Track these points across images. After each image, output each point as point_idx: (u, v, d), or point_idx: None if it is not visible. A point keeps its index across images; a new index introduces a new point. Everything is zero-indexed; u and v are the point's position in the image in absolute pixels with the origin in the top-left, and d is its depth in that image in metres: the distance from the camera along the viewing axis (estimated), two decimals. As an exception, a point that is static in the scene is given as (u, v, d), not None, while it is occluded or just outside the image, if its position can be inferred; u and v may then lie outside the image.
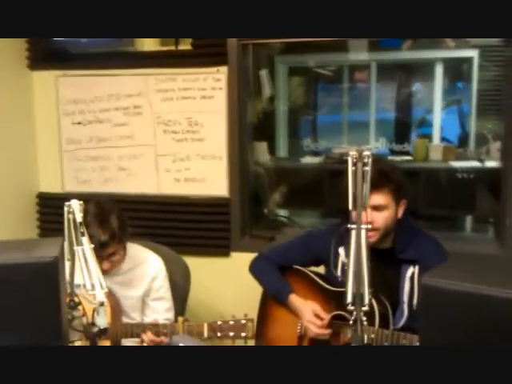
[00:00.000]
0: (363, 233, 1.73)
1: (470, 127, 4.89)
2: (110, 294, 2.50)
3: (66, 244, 1.98)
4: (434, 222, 3.42)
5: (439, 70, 5.03)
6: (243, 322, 2.29)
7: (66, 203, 2.05)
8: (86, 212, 2.36)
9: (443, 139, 4.68)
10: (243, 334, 2.28)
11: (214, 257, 3.21)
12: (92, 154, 3.33)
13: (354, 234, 1.73)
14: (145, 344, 2.36)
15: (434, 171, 3.76)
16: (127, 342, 2.47)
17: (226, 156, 3.15)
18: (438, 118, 4.97)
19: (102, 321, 1.76)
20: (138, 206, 3.26)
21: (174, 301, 2.71)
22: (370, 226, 1.76)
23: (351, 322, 1.67)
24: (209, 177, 3.19)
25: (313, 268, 2.58)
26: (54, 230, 3.11)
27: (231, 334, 2.28)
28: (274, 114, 4.81)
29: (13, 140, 3.28)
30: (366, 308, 1.65)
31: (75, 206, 2.01)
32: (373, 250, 2.39)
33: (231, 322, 2.29)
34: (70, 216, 2.03)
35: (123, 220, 2.43)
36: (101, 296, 1.75)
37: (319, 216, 4.12)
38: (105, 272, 2.46)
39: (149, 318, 2.58)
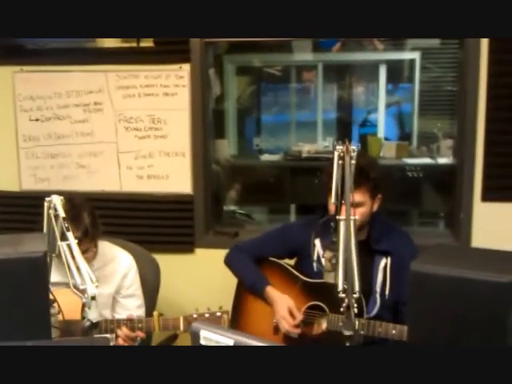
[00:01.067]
0: (352, 224, 1.78)
1: (413, 126, 5.08)
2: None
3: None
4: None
5: (383, 72, 5.20)
6: (218, 314, 2.32)
7: (47, 199, 2.03)
8: (56, 209, 2.34)
9: (385, 138, 4.83)
10: (219, 327, 2.30)
11: (179, 253, 3.21)
12: (50, 151, 3.26)
13: (342, 225, 1.79)
14: (120, 339, 2.34)
15: (386, 168, 3.87)
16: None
17: (189, 153, 3.16)
18: (381, 117, 5.14)
19: (94, 315, 1.75)
20: (100, 204, 3.22)
21: (144, 297, 2.70)
22: (357, 217, 1.82)
23: (342, 310, 1.72)
24: (172, 174, 3.19)
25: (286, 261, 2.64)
26: (11, 229, 3.04)
27: (208, 327, 2.30)
28: (223, 113, 4.85)
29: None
30: (356, 295, 1.71)
31: (57, 201, 1.99)
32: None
33: (206, 315, 2.32)
34: (51, 212, 2.02)
35: (95, 217, 2.41)
36: (92, 290, 1.74)
37: (276, 212, 4.18)
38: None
39: (119, 316, 2.57)
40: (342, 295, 1.71)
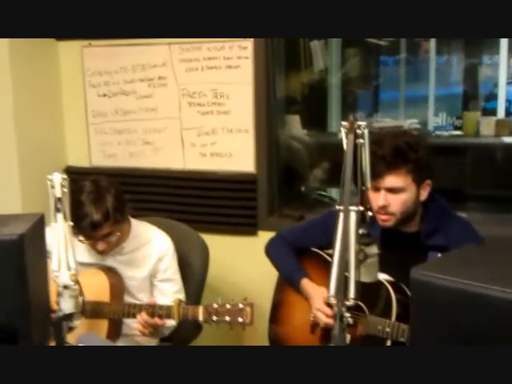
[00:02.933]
0: (352, 216, 1.50)
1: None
2: (111, 273, 2.39)
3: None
4: (484, 203, 3.11)
5: (504, 44, 4.64)
6: (241, 306, 2.11)
7: (49, 177, 1.93)
8: (80, 190, 2.25)
9: (509, 114, 4.32)
10: (240, 320, 2.10)
11: (241, 235, 3.04)
12: (117, 127, 3.21)
13: (341, 216, 1.51)
14: (139, 325, 2.22)
15: (484, 147, 3.41)
16: (127, 321, 2.36)
17: (252, 130, 2.96)
18: (502, 92, 4.61)
19: (67, 305, 1.62)
20: (164, 182, 3.14)
21: (189, 282, 2.57)
22: (361, 208, 1.53)
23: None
24: (235, 152, 3.01)
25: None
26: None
27: (227, 318, 2.11)
28: (324, 88, 4.57)
29: (41, 113, 3.21)
30: (350, 303, 1.43)
31: (57, 180, 1.88)
32: (396, 234, 2.17)
33: (228, 306, 2.12)
34: (53, 191, 1.92)
35: (121, 200, 2.29)
36: (65, 278, 1.61)
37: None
38: (101, 253, 2.35)
39: (157, 300, 2.45)
40: (331, 301, 1.43)
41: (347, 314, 1.42)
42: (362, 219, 1.84)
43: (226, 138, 3.01)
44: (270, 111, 2.95)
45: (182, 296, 2.48)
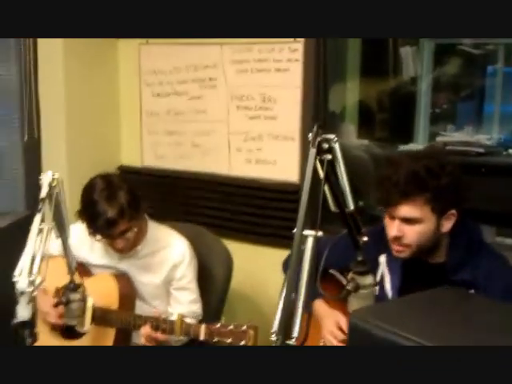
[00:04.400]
0: (310, 242, 1.32)
1: None
2: (122, 280, 2.31)
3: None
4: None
5: None
6: (244, 328, 1.97)
7: (42, 174, 1.88)
8: (92, 188, 2.20)
9: None
10: (242, 343, 1.95)
11: (275, 248, 2.88)
12: (169, 128, 3.15)
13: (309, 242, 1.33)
14: (142, 339, 2.13)
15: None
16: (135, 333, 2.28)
17: (298, 137, 2.79)
18: None
19: (24, 312, 1.54)
20: (208, 186, 3.05)
21: (211, 293, 2.46)
22: (321, 234, 1.35)
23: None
24: (280, 159, 2.86)
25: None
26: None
27: (228, 340, 1.97)
28: (412, 97, 4.29)
29: (97, 111, 3.22)
30: (291, 342, 1.24)
31: (46, 179, 1.82)
32: (422, 265, 1.94)
33: (230, 327, 1.98)
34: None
35: (134, 195, 2.21)
36: (22, 284, 1.53)
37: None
38: (120, 251, 2.29)
39: (172, 308, 2.36)
40: (273, 338, 1.26)
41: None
42: (356, 245, 1.66)
43: (272, 145, 2.86)
44: (317, 118, 2.77)
45: (197, 306, 2.37)
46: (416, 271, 1.94)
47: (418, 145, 3.32)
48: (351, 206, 1.46)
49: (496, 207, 2.23)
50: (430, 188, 1.77)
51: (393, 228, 1.83)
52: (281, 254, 2.86)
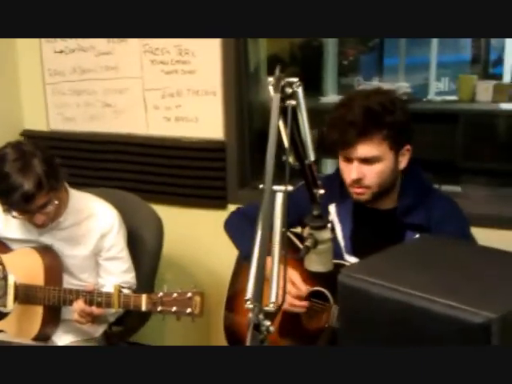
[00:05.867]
0: (279, 197, 1.21)
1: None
2: (46, 253, 2.12)
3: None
4: (478, 177, 2.80)
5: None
6: (189, 295, 1.85)
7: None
8: (2, 159, 1.97)
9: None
10: (188, 311, 1.84)
11: (206, 209, 2.76)
12: (76, 88, 2.91)
13: (265, 196, 1.21)
14: (75, 314, 1.96)
15: (480, 114, 3.06)
16: (64, 309, 2.10)
17: (220, 91, 2.65)
18: (510, 57, 4.26)
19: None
20: (125, 148, 2.85)
21: (142, 260, 2.31)
22: (291, 188, 1.24)
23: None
24: (202, 116, 2.71)
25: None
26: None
27: (174, 309, 1.84)
28: (319, 50, 4.24)
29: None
30: (270, 308, 1.13)
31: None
32: (372, 212, 1.89)
33: (174, 295, 1.86)
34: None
35: (51, 163, 2.00)
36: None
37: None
38: (41, 227, 2.08)
39: (104, 280, 2.20)
40: (248, 306, 1.14)
41: (266, 322, 1.11)
42: (313, 199, 1.57)
43: (192, 101, 2.71)
44: (239, 71, 2.64)
45: (131, 275, 2.22)
46: (366, 219, 1.89)
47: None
48: (312, 157, 1.35)
49: (425, 154, 2.20)
50: (387, 124, 1.72)
51: (352, 171, 1.77)
52: (212, 215, 2.77)
